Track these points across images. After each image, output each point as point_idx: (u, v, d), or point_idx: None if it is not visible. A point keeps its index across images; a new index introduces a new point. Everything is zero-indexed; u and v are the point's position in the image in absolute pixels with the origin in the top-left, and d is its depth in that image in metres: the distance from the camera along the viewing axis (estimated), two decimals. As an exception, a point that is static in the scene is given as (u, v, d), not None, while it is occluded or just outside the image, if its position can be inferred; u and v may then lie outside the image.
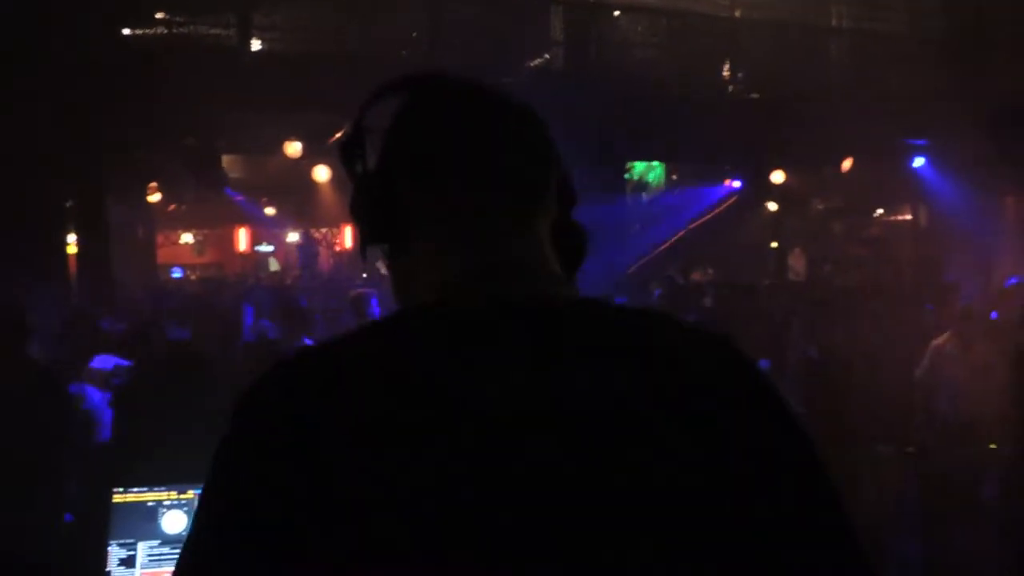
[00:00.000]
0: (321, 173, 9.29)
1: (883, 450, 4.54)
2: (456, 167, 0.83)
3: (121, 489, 1.65)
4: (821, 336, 5.03)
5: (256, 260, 18.29)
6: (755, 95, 9.54)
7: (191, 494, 1.68)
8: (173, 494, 1.67)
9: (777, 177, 9.90)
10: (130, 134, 8.22)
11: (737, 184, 10.56)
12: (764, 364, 5.68)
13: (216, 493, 0.73)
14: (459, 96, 0.87)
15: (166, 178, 10.18)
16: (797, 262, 15.53)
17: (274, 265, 18.11)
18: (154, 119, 7.84)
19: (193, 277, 17.16)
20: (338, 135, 8.47)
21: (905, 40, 10.19)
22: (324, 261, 17.00)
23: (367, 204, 0.85)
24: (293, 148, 8.24)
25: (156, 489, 1.66)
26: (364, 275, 13.94)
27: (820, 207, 15.47)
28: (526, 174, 0.84)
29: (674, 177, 13.43)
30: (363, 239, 0.87)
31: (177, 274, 17.52)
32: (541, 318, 0.76)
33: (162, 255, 16.67)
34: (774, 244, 15.21)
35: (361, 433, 0.69)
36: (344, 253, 18.05)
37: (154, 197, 11.41)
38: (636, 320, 0.80)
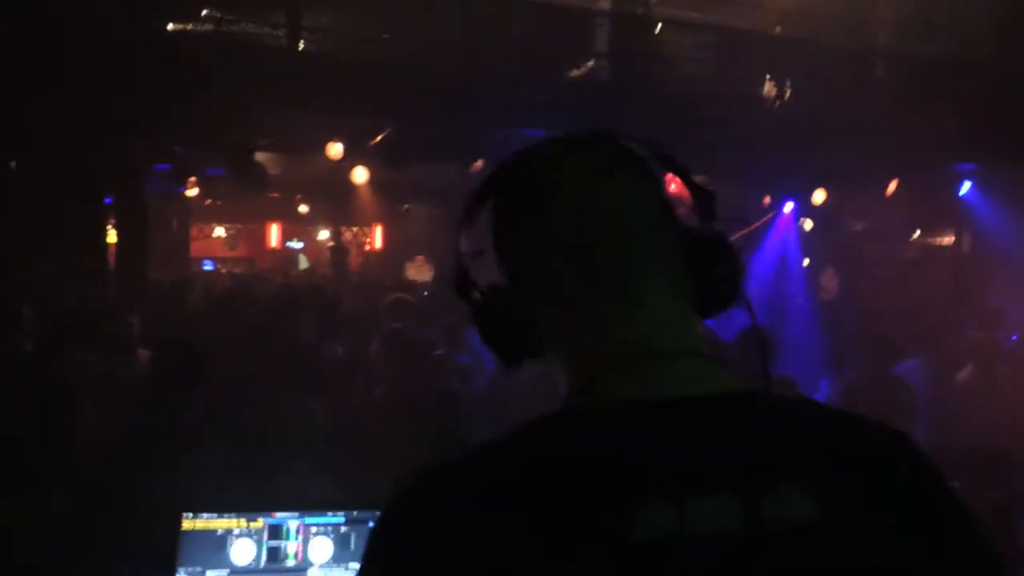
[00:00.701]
0: (359, 175, 9.31)
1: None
2: (578, 272, 0.81)
3: (191, 515, 1.63)
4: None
5: (286, 256, 18.39)
6: (798, 114, 9.43)
7: (260, 522, 1.66)
8: (243, 522, 1.65)
9: (818, 197, 9.77)
10: (172, 130, 8.31)
11: (789, 205, 10.41)
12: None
13: None
14: (559, 189, 0.83)
15: (205, 174, 10.25)
16: (829, 282, 15.37)
17: (303, 262, 18.22)
18: (197, 116, 7.91)
19: (224, 271, 17.33)
20: (379, 138, 8.51)
21: (954, 64, 10.03)
22: (354, 260, 17.07)
23: (503, 330, 0.84)
24: (335, 150, 8.27)
25: (226, 516, 1.64)
26: (408, 273, 14.11)
27: (858, 227, 15.29)
28: (642, 254, 0.82)
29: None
30: (504, 360, 0.86)
31: (208, 267, 17.71)
32: (692, 423, 0.73)
33: (195, 248, 16.88)
34: (806, 262, 15.07)
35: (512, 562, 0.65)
36: (372, 252, 18.14)
37: (192, 191, 11.51)
38: (808, 419, 0.76)
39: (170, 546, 1.58)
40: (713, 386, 0.76)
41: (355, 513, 1.68)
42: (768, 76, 9.60)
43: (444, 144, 8.69)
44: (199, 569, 1.61)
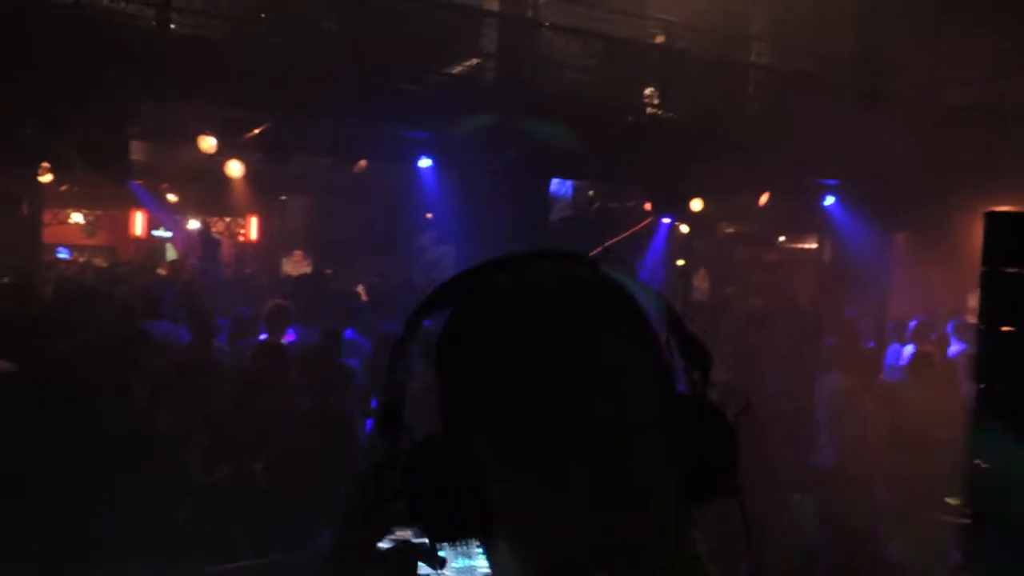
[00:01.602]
0: (234, 168, 8.87)
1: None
2: (567, 436, 0.66)
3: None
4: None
5: (151, 246, 17.39)
6: (677, 122, 9.69)
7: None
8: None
9: (696, 205, 10.09)
10: (24, 108, 7.63)
11: (649, 207, 10.68)
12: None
13: None
14: (537, 328, 0.68)
15: (60, 158, 9.48)
16: (702, 282, 16.00)
17: (171, 253, 17.27)
18: (53, 95, 7.29)
19: (82, 260, 16.21)
20: (255, 132, 8.12)
21: (818, 81, 10.59)
22: (226, 252, 16.32)
23: (442, 497, 0.67)
24: (207, 143, 7.82)
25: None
26: (285, 268, 13.58)
27: (728, 231, 15.98)
28: (639, 426, 0.68)
29: (591, 194, 13.54)
30: (437, 538, 0.69)
31: (63, 255, 16.52)
32: None
33: (48, 234, 15.64)
34: (681, 262, 15.62)
35: None
36: (247, 244, 17.40)
37: (46, 177, 10.63)
38: None
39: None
40: None
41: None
42: (651, 85, 9.82)
43: (323, 139, 8.39)
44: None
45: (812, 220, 12.46)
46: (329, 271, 11.26)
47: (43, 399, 3.68)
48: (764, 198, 10.59)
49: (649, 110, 9.84)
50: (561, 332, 0.68)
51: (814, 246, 14.26)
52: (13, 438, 3.32)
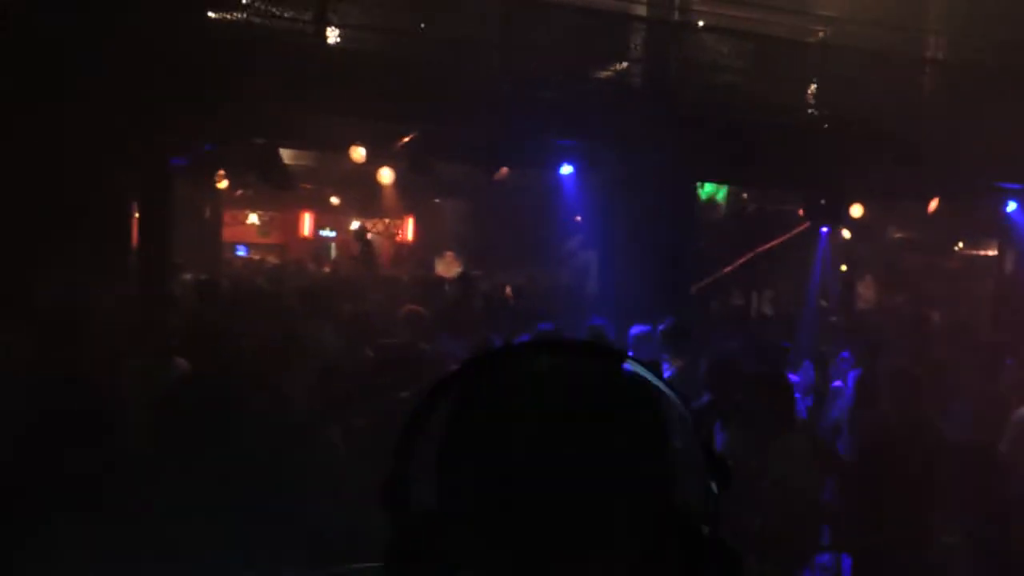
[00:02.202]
0: (385, 176, 9.26)
1: (948, 540, 4.22)
2: (485, 529, 0.65)
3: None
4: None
5: (317, 246, 18.46)
6: (838, 123, 9.12)
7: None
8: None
9: (856, 211, 9.47)
10: (200, 124, 8.30)
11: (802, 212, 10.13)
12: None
13: None
14: (512, 411, 0.66)
15: (233, 168, 10.28)
16: (867, 291, 15.02)
17: (335, 252, 18.27)
18: (224, 111, 7.88)
19: (257, 257, 17.49)
20: (404, 140, 8.42)
21: (997, 75, 9.62)
22: (385, 252, 17.08)
23: (401, 554, 0.68)
24: (358, 154, 8.20)
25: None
26: (437, 269, 14.07)
27: (897, 235, 14.91)
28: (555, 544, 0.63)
29: (745, 196, 13.04)
30: None
31: (241, 252, 17.88)
32: None
33: (228, 234, 17.03)
34: (843, 267, 14.74)
35: None
36: (403, 244, 18.15)
37: (222, 184, 11.57)
38: None
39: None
40: None
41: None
42: (810, 84, 9.31)
43: (469, 148, 8.57)
44: None
45: (991, 226, 11.37)
46: (478, 273, 11.53)
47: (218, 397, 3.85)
48: (934, 204, 9.76)
49: (808, 111, 9.35)
50: (531, 433, 0.65)
51: (993, 253, 13.03)
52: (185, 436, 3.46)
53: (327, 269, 14.59)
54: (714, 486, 0.69)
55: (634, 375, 0.69)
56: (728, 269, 12.31)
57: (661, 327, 5.45)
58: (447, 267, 15.11)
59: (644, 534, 0.64)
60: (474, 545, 0.65)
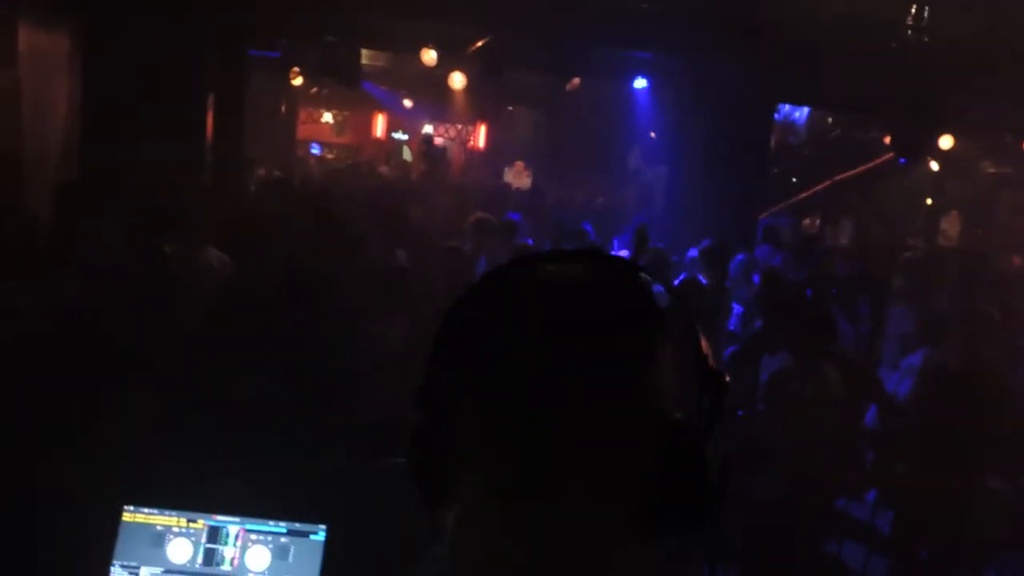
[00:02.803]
0: (456, 80, 9.12)
1: (992, 484, 4.12)
2: (485, 428, 0.69)
3: (131, 507, 1.62)
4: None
5: (390, 147, 18.52)
6: (935, 46, 8.53)
7: (201, 523, 1.64)
8: (183, 521, 1.63)
9: (945, 143, 8.95)
10: (274, 22, 8.30)
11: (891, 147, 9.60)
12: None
13: None
14: (518, 318, 0.70)
15: (307, 66, 10.29)
16: (952, 227, 14.38)
17: (407, 154, 18.31)
18: (297, 13, 7.86)
19: (330, 156, 17.68)
20: (477, 44, 8.25)
21: None
22: (456, 159, 17.04)
23: (423, 458, 0.74)
24: (429, 56, 8.07)
25: (166, 513, 1.63)
26: (506, 178, 14.04)
27: (991, 171, 14.10)
28: (552, 441, 0.67)
29: (829, 121, 12.45)
30: (416, 486, 0.76)
31: (315, 150, 18.08)
32: None
33: (304, 131, 17.21)
34: (929, 202, 14.09)
35: None
36: (475, 151, 18.05)
37: (297, 80, 11.62)
38: None
39: (108, 537, 1.58)
40: None
41: (297, 525, 1.64)
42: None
43: (543, 56, 8.34)
44: (134, 564, 1.62)
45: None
46: (546, 185, 11.41)
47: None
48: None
49: (904, 31, 8.74)
50: (531, 342, 0.68)
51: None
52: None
53: (398, 172, 14.65)
54: (707, 398, 0.71)
55: (643, 287, 0.72)
56: (803, 196, 11.90)
57: (701, 246, 5.40)
58: (517, 177, 15.03)
59: (637, 442, 0.67)
60: (481, 447, 0.69)
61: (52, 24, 7.81)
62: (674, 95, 8.83)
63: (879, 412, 4.40)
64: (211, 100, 8.54)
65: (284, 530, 1.64)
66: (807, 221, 12.10)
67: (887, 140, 9.81)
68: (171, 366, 2.78)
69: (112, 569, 1.60)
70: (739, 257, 5.93)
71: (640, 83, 8.61)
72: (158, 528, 1.62)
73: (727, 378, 0.72)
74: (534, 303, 0.70)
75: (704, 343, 0.73)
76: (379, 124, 18.73)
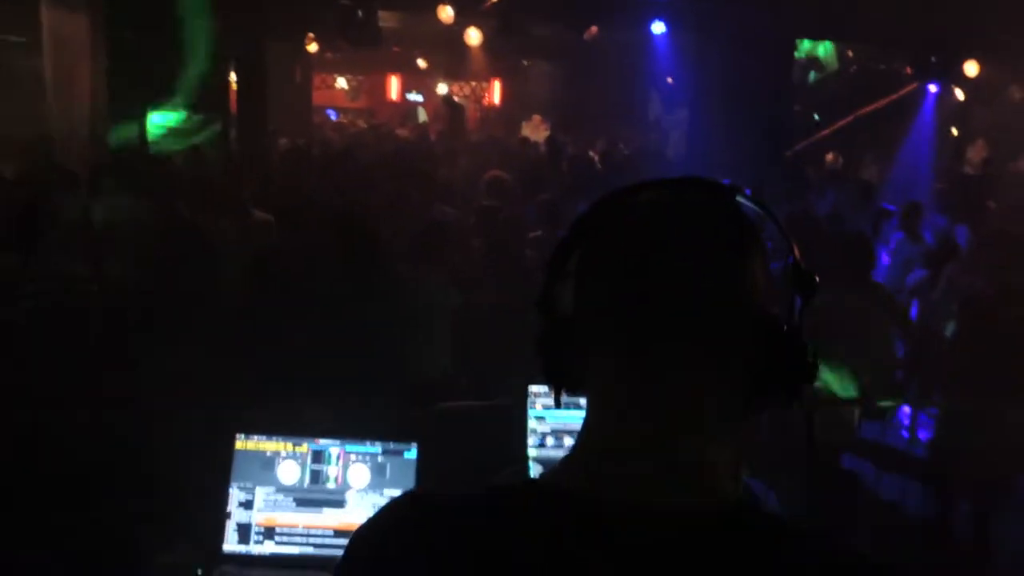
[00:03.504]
0: (473, 36, 9.11)
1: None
2: (609, 326, 0.80)
3: (243, 435, 1.77)
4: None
5: (405, 109, 18.49)
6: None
7: (305, 447, 1.79)
8: (289, 446, 1.78)
9: (970, 69, 8.84)
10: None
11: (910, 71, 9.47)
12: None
13: None
14: (631, 232, 0.81)
15: (322, 28, 10.30)
16: (977, 154, 14.20)
17: (422, 115, 18.29)
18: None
19: (345, 121, 17.68)
20: (492, 1, 8.24)
21: None
22: (472, 116, 16.99)
23: (552, 356, 0.85)
24: (446, 13, 8.07)
25: (275, 439, 1.78)
26: (524, 132, 14.02)
27: (1018, 97, 13.87)
28: (662, 328, 0.78)
29: (850, 54, 12.29)
30: (549, 383, 0.88)
31: (332, 116, 18.10)
32: (630, 539, 0.71)
33: (318, 97, 17.20)
34: (954, 131, 13.90)
35: None
36: (491, 108, 17.99)
37: (311, 47, 11.61)
38: (758, 558, 0.71)
39: (224, 463, 1.74)
40: (682, 500, 0.74)
41: (391, 444, 1.79)
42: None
43: (556, 6, 8.30)
44: (250, 485, 1.78)
45: None
46: (565, 137, 11.40)
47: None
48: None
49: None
50: (646, 257, 0.79)
51: None
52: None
53: (417, 133, 14.66)
54: (798, 298, 0.83)
55: (739, 205, 0.84)
56: (826, 132, 11.81)
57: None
58: (534, 130, 14.99)
59: (742, 332, 0.78)
60: (607, 343, 0.80)
61: (73, 4, 7.92)
62: (693, 38, 8.77)
63: (909, 339, 4.46)
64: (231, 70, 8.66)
65: (379, 449, 1.79)
66: (830, 156, 12.01)
67: (908, 70, 9.69)
68: (258, 321, 2.94)
69: (231, 489, 1.76)
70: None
71: (658, 28, 8.56)
72: (268, 453, 1.78)
73: (816, 278, 0.84)
74: (646, 218, 0.81)
75: (796, 251, 0.85)
76: (393, 86, 18.71)
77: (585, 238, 0.84)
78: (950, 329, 4.53)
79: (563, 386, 0.85)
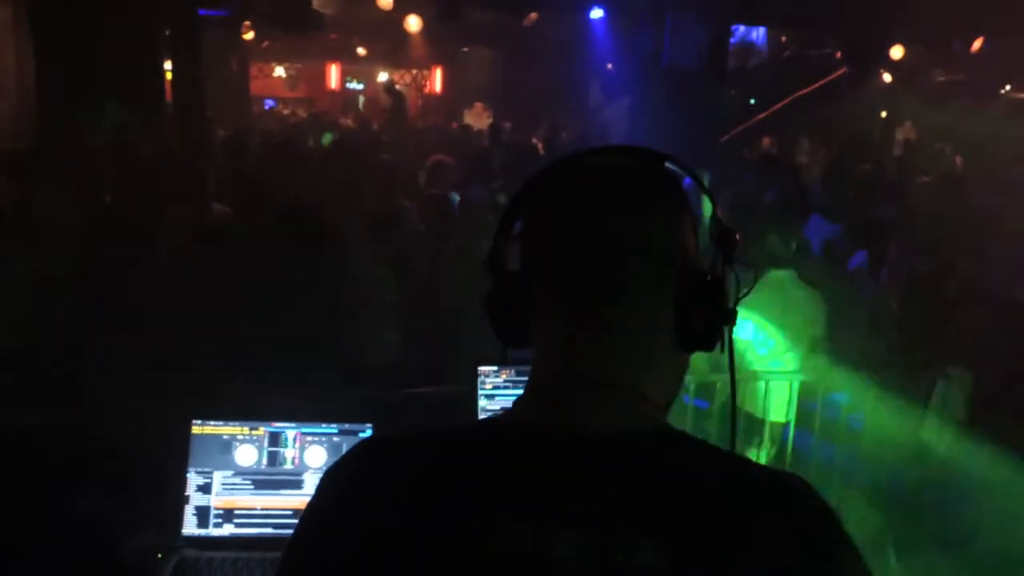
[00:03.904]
0: (412, 23, 9.08)
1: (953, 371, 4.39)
2: (552, 299, 0.87)
3: (199, 421, 1.79)
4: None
5: (345, 97, 18.30)
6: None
7: (262, 430, 1.82)
8: (246, 429, 1.81)
9: (896, 53, 9.15)
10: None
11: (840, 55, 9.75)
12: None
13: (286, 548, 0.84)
14: (567, 214, 0.88)
15: (259, 17, 10.12)
16: (906, 135, 14.66)
17: (362, 104, 18.11)
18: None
19: (286, 111, 17.39)
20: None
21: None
22: (413, 104, 16.89)
23: (498, 311, 0.93)
24: (385, 0, 8.03)
25: (231, 423, 1.81)
26: (455, 124, 14.03)
27: (941, 79, 14.37)
28: (601, 276, 0.85)
29: (783, 40, 12.59)
30: (497, 336, 0.95)
31: (270, 106, 17.79)
32: (575, 456, 0.78)
33: (255, 87, 16.88)
34: (884, 114, 14.33)
35: (371, 538, 0.77)
36: (432, 96, 17.91)
37: (248, 35, 11.39)
38: (683, 467, 0.79)
39: (181, 448, 1.76)
40: (620, 424, 0.82)
41: (347, 425, 1.83)
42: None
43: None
44: (208, 469, 1.80)
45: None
46: (508, 124, 11.43)
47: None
48: (977, 43, 9.38)
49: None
50: (580, 214, 0.87)
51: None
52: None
53: (351, 123, 14.52)
54: (720, 249, 0.93)
55: (667, 169, 0.94)
56: (761, 116, 12.09)
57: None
58: (477, 118, 15.00)
59: (672, 287, 0.87)
60: (544, 295, 0.88)
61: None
62: (630, 23, 8.89)
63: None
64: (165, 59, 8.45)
65: (336, 430, 1.83)
66: (767, 141, 12.31)
67: (839, 55, 9.99)
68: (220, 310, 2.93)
69: (188, 474, 1.79)
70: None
71: (596, 13, 8.66)
72: (225, 437, 1.81)
73: (737, 235, 0.93)
74: (588, 182, 0.89)
75: (718, 210, 0.94)
76: (333, 75, 18.48)
77: (531, 200, 0.92)
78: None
79: (510, 340, 0.93)
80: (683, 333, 0.88)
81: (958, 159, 9.52)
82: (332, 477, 0.85)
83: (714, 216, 0.94)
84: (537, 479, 0.77)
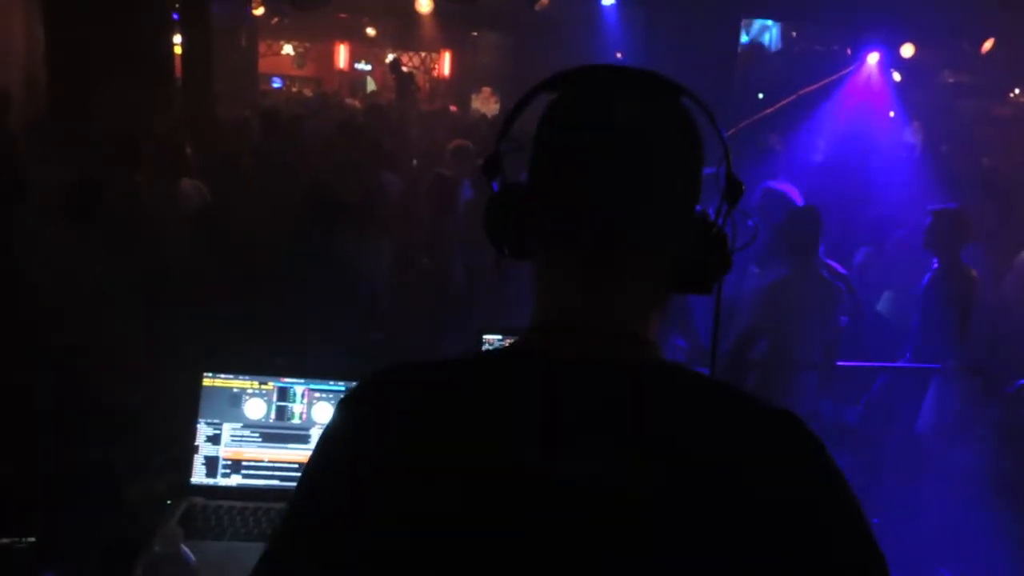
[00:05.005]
0: (423, 4, 9.07)
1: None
2: (556, 201, 0.87)
3: (210, 374, 1.84)
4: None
5: (353, 78, 18.27)
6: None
7: (271, 385, 1.87)
8: (256, 383, 1.86)
9: (906, 51, 9.14)
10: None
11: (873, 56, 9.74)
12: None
13: (302, 472, 0.87)
14: (584, 131, 0.86)
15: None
16: (913, 136, 14.65)
17: (371, 85, 18.09)
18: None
19: (294, 89, 17.37)
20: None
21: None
22: (421, 87, 16.86)
23: (498, 220, 0.93)
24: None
25: (241, 377, 1.85)
26: (452, 108, 14.01)
27: (950, 80, 14.36)
28: (617, 217, 0.85)
29: (794, 35, 12.57)
30: (494, 248, 0.95)
31: (277, 84, 17.76)
32: (583, 382, 0.81)
33: (263, 64, 16.83)
34: (891, 114, 14.31)
35: (384, 462, 0.80)
36: (440, 80, 17.87)
37: (258, 11, 11.38)
38: (679, 401, 0.81)
39: (192, 399, 1.81)
40: (626, 357, 0.84)
41: (354, 383, 1.87)
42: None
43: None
44: (217, 421, 1.85)
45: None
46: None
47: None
48: (988, 44, 9.37)
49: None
50: (598, 134, 0.86)
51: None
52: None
53: (358, 104, 14.51)
54: (725, 203, 0.94)
55: (687, 111, 0.90)
56: (769, 110, 12.08)
57: None
58: (484, 103, 14.99)
59: (679, 234, 0.88)
60: (550, 221, 0.87)
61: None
62: (642, 12, 8.89)
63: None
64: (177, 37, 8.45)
65: (343, 387, 1.88)
66: (774, 136, 12.30)
67: (849, 51, 9.98)
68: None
69: (198, 425, 1.83)
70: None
71: (608, 0, 8.65)
72: (234, 390, 1.85)
73: (742, 185, 0.94)
74: (593, 105, 0.87)
75: (729, 161, 0.95)
76: (341, 54, 18.45)
77: (543, 116, 0.89)
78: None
79: (509, 250, 0.93)
80: (685, 276, 0.90)
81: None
82: (347, 404, 0.87)
83: (725, 165, 0.94)
84: (545, 403, 0.80)
